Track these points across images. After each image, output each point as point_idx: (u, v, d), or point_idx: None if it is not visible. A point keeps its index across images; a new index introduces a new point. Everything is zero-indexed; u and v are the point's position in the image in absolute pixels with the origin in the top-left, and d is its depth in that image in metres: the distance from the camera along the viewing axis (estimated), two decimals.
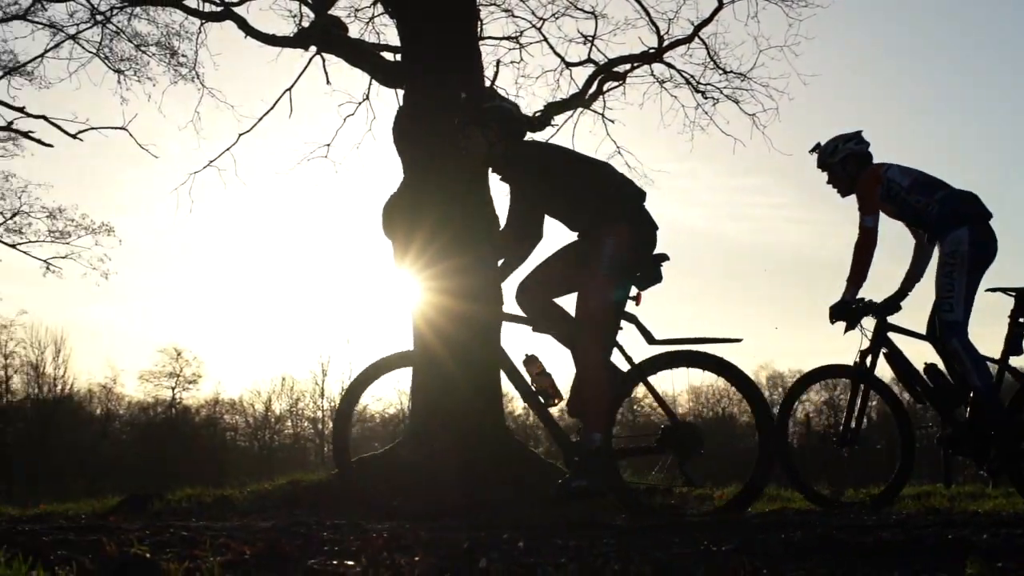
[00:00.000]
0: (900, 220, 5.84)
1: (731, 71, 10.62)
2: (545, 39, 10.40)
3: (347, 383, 5.54)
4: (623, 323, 4.88)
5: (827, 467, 6.80)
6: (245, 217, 65.66)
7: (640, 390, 5.17)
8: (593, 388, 4.76)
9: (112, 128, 16.59)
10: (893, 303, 5.74)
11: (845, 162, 5.84)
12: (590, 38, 10.39)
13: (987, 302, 5.59)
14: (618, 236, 4.79)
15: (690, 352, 4.96)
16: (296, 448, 46.58)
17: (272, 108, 9.47)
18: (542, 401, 4.95)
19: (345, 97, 9.94)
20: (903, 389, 6.00)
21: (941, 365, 5.56)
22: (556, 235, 5.16)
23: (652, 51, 10.27)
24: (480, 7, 8.72)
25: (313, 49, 8.54)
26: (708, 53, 10.55)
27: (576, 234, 5.06)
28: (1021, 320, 5.55)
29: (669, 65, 10.54)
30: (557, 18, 10.42)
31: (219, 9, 8.85)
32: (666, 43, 10.33)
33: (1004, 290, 5.58)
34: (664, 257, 4.89)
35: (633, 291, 4.87)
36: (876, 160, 5.84)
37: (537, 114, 9.04)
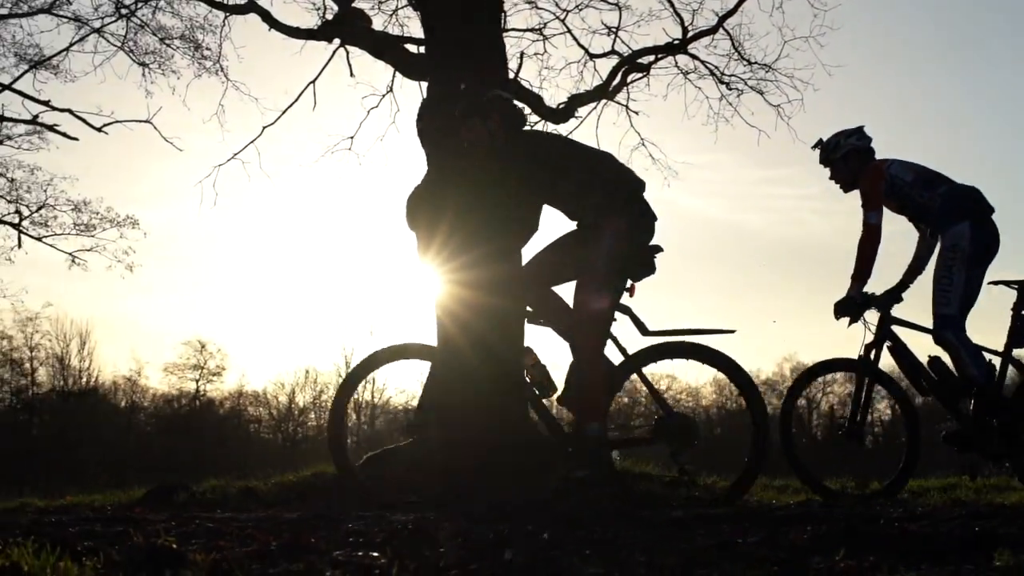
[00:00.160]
0: (903, 215, 5.85)
1: (756, 62, 10.58)
2: (569, 31, 10.38)
3: (340, 382, 5.47)
4: (617, 314, 4.92)
5: (847, 460, 6.78)
6: (269, 210, 65.85)
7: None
8: (591, 379, 4.79)
9: (137, 121, 16.82)
10: (894, 295, 5.73)
11: (847, 158, 5.86)
12: (614, 29, 10.35)
13: (989, 295, 5.61)
14: (618, 229, 4.79)
15: (683, 343, 4.99)
16: (320, 440, 46.56)
17: (296, 101, 9.47)
18: (536, 392, 5.02)
19: (369, 89, 10.01)
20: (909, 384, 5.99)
21: (945, 358, 5.54)
22: (551, 225, 5.21)
23: (676, 42, 10.21)
24: None
25: (337, 41, 8.52)
26: (732, 44, 10.52)
27: (575, 223, 5.06)
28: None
29: (693, 56, 10.49)
30: (581, 9, 10.39)
31: (243, 2, 8.85)
32: (690, 34, 10.28)
33: (1007, 283, 5.58)
34: (658, 248, 4.91)
35: (628, 282, 4.89)
36: (878, 156, 5.85)
37: (561, 106, 9.02)
